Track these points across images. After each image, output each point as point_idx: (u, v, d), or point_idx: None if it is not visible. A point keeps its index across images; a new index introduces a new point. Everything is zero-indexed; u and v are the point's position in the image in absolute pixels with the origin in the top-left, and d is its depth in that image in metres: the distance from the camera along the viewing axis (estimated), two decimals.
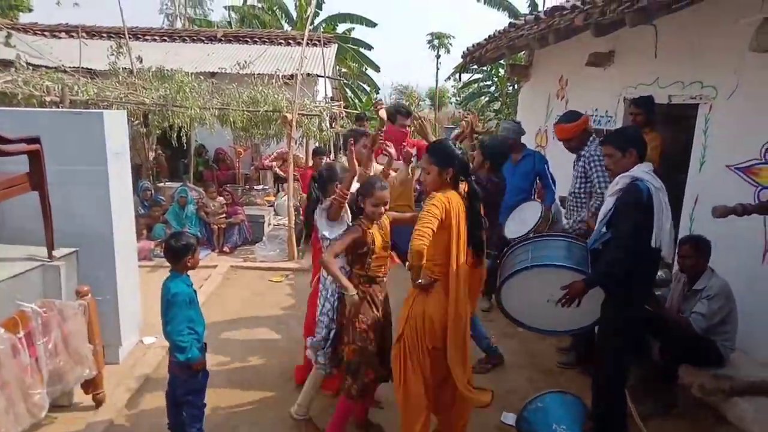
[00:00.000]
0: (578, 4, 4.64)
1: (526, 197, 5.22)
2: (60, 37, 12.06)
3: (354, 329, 3.06)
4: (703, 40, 4.39)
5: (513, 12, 17.14)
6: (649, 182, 2.92)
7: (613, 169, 3.12)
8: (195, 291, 3.05)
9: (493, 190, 4.05)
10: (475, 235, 2.90)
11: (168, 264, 3.06)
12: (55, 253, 3.38)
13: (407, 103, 24.75)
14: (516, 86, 15.78)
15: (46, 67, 7.96)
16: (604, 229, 3.10)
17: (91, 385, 3.45)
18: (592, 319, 3.23)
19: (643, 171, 2.98)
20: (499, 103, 19.28)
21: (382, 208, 3.04)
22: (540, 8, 13.95)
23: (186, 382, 2.97)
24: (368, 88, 21.33)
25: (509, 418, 3.46)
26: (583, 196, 3.98)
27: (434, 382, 2.91)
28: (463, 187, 2.87)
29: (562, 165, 6.33)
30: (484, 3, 17.59)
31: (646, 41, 4.82)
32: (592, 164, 3.88)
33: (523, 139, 8.09)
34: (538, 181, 5.48)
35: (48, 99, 6.43)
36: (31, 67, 7.54)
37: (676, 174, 4.71)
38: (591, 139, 3.97)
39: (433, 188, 2.81)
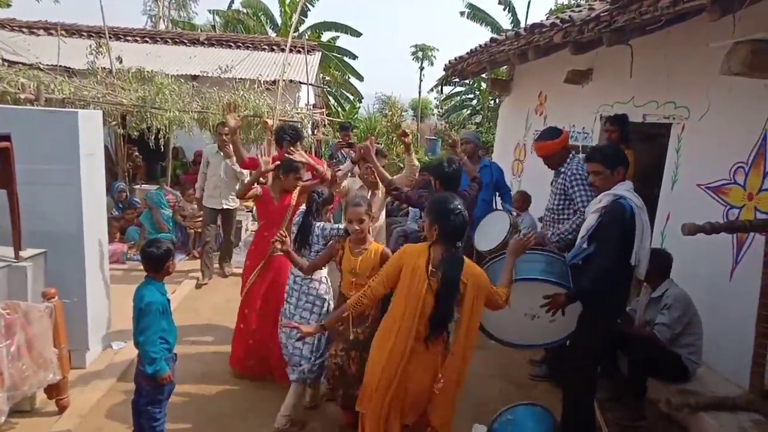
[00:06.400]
0: (557, 22, 4.73)
1: (489, 208, 5.27)
2: (38, 34, 11.83)
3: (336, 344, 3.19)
4: (676, 61, 4.51)
5: (496, 27, 17.40)
6: (632, 201, 2.98)
7: (600, 186, 3.16)
8: (168, 300, 3.01)
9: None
10: (436, 315, 2.53)
11: (141, 268, 3.01)
12: (22, 253, 3.30)
13: (390, 113, 24.82)
14: (498, 100, 15.99)
15: (23, 63, 7.81)
16: (585, 245, 3.14)
17: (54, 390, 3.36)
18: (566, 332, 3.26)
19: (625, 189, 3.04)
20: (481, 116, 19.49)
21: (356, 226, 3.08)
22: (522, 24, 14.19)
23: (150, 392, 2.92)
24: (351, 97, 21.38)
25: (480, 430, 3.46)
26: (560, 211, 3.99)
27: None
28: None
29: (538, 179, 6.42)
30: (467, 17, 17.83)
31: (622, 61, 4.93)
32: (573, 182, 3.83)
33: (504, 152, 8.26)
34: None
35: (23, 96, 6.29)
36: (6, 64, 7.39)
37: (649, 190, 4.81)
38: (571, 156, 3.98)
39: (428, 238, 2.66)
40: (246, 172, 5.70)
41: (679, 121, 4.50)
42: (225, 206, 6.38)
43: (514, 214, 5.54)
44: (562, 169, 3.93)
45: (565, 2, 16.35)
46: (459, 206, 2.59)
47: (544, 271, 3.21)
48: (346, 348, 3.12)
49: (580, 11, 4.56)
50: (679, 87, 4.50)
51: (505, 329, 3.44)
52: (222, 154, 6.21)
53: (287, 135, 4.57)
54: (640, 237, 2.99)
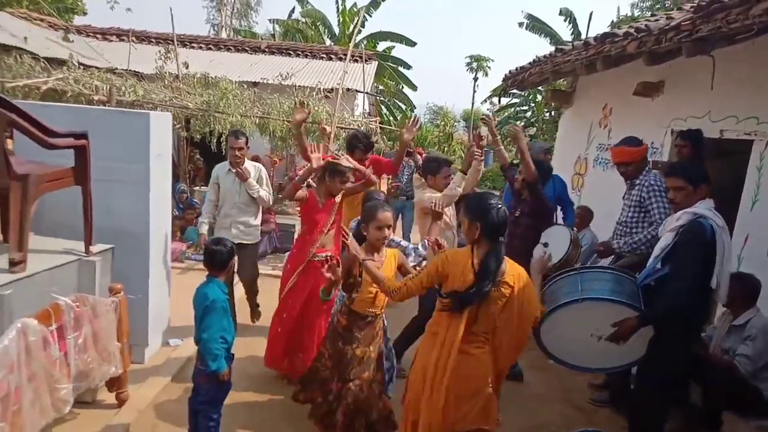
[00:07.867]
0: (632, 31, 4.53)
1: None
2: (111, 40, 12.43)
3: (322, 350, 3.26)
4: (762, 74, 4.23)
5: (555, 38, 17.06)
6: (713, 220, 2.79)
7: (679, 203, 2.99)
8: (227, 299, 3.02)
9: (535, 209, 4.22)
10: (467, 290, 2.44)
11: (200, 267, 3.05)
12: (92, 248, 3.39)
13: (442, 123, 24.75)
14: (553, 112, 15.62)
15: (97, 67, 8.20)
16: (658, 265, 2.96)
17: (115, 384, 3.44)
18: (635, 357, 3.07)
19: (706, 208, 2.86)
20: (535, 128, 19.11)
21: (386, 231, 3.02)
22: (583, 36, 13.82)
23: (209, 391, 2.94)
24: (404, 106, 21.42)
25: None
26: (633, 224, 3.83)
27: None
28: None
29: (600, 194, 6.18)
30: (526, 29, 17.56)
31: (700, 72, 4.67)
32: (651, 193, 3.74)
33: (563, 166, 8.01)
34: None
35: (96, 98, 6.60)
36: (82, 67, 7.77)
37: (724, 210, 4.53)
38: (648, 168, 3.83)
39: (467, 240, 2.60)
40: (266, 196, 4.90)
41: (761, 137, 4.21)
42: (239, 240, 4.58)
43: (575, 230, 5.34)
44: (637, 181, 3.78)
45: (629, 14, 15.86)
46: (498, 202, 2.55)
47: (613, 290, 3.04)
48: (325, 356, 3.19)
49: (657, 20, 4.35)
50: (764, 101, 4.21)
51: (569, 350, 3.28)
52: (234, 173, 4.73)
53: (361, 144, 4.60)
54: (721, 259, 2.80)
